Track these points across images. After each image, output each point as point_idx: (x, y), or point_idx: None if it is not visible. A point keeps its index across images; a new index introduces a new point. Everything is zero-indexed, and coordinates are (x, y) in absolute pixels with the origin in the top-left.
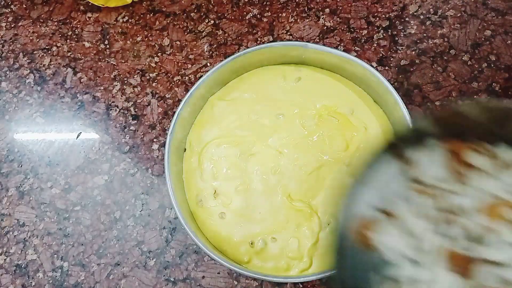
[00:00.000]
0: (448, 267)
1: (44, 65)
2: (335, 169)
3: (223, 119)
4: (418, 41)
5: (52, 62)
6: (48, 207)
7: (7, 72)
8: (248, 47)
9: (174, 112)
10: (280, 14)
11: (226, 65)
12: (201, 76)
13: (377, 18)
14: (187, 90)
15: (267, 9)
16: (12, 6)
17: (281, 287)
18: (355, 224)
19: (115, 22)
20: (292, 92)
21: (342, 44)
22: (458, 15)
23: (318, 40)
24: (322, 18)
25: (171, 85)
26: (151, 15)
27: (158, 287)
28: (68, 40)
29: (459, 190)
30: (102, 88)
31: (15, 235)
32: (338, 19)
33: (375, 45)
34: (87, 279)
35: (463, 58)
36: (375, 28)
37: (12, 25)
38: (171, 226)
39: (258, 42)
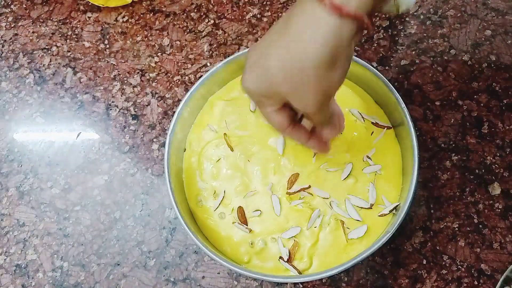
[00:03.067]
0: None
1: (44, 65)
2: (335, 169)
3: (223, 119)
4: (418, 41)
5: (52, 62)
6: (48, 207)
7: (7, 72)
8: (248, 47)
9: (174, 112)
10: (280, 14)
11: (226, 65)
12: (201, 76)
13: (377, 18)
14: (187, 90)
15: (267, 9)
16: (12, 6)
17: (281, 287)
18: None
19: (115, 22)
20: None
21: None
22: (458, 15)
23: None
24: None
25: (171, 85)
26: (151, 15)
27: (158, 287)
28: (68, 40)
29: None
30: (102, 88)
31: (15, 235)
32: None
33: (375, 45)
34: (87, 279)
35: (463, 58)
36: (375, 28)
37: (12, 25)
38: (171, 226)
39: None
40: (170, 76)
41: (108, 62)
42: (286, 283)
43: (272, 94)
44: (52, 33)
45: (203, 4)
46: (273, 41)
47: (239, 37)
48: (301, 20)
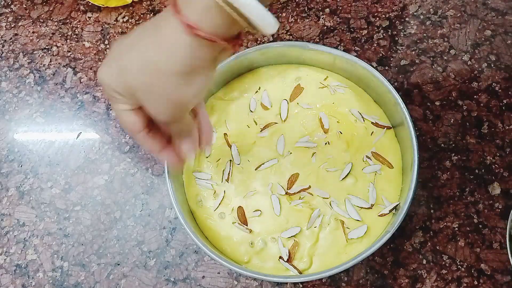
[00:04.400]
0: None
1: (44, 65)
2: (335, 169)
3: (223, 119)
4: (418, 41)
5: (52, 62)
6: (48, 207)
7: (7, 72)
8: (248, 47)
9: None
10: (280, 14)
11: (226, 65)
12: None
13: (377, 18)
14: None
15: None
16: (12, 6)
17: (281, 287)
18: None
19: (115, 22)
20: (292, 92)
21: (342, 44)
22: (458, 15)
23: (318, 40)
24: (322, 18)
25: None
26: (151, 15)
27: (158, 287)
28: (68, 40)
29: None
30: (102, 88)
31: (15, 235)
32: (338, 19)
33: (375, 45)
34: (87, 279)
35: (463, 58)
36: (375, 28)
37: (12, 25)
38: (171, 226)
39: (258, 42)
40: None
41: None
42: (286, 283)
43: (126, 93)
44: (52, 33)
45: None
46: (136, 42)
47: None
48: (164, 29)
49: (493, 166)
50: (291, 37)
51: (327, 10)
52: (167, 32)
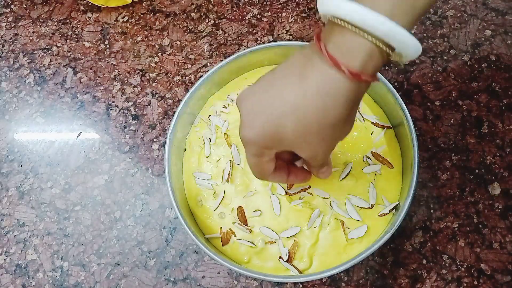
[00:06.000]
0: None
1: (44, 65)
2: (335, 169)
3: (223, 119)
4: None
5: (52, 62)
6: (48, 207)
7: (7, 72)
8: (248, 47)
9: (174, 112)
10: (280, 14)
11: (226, 65)
12: (201, 76)
13: None
14: (187, 90)
15: (267, 9)
16: (12, 6)
17: (281, 287)
18: None
19: (115, 22)
20: None
21: None
22: (458, 15)
23: None
24: None
25: (171, 85)
26: (151, 15)
27: (158, 287)
28: (68, 40)
29: None
30: (102, 88)
31: (15, 235)
32: None
33: None
34: (87, 279)
35: (463, 58)
36: None
37: (12, 25)
38: (171, 226)
39: (258, 42)
40: (170, 76)
41: (108, 62)
42: (286, 283)
43: (276, 143)
44: (52, 33)
45: (203, 4)
46: (281, 89)
47: (239, 37)
48: (319, 78)
49: (493, 166)
50: (291, 37)
51: None
52: (325, 79)
